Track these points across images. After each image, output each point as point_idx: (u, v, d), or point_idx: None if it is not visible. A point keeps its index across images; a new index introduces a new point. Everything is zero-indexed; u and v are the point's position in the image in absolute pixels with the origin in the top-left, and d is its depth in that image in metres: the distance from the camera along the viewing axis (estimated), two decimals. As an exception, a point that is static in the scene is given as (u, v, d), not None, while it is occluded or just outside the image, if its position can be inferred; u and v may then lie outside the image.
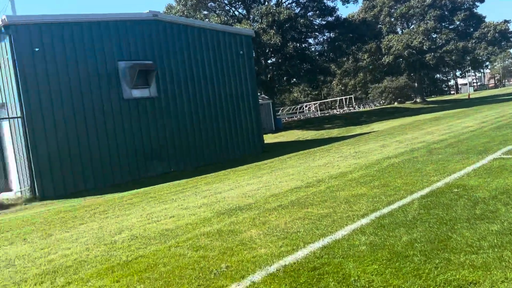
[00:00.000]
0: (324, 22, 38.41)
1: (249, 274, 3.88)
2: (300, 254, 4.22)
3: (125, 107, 14.65)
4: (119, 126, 14.45)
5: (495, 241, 3.94)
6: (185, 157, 16.28)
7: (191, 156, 16.50)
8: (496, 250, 3.75)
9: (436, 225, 4.58)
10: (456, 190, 6.00)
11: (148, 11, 15.63)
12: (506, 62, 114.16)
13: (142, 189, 11.57)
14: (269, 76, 35.59)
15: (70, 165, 13.22)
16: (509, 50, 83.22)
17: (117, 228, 6.45)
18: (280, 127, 35.34)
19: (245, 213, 6.27)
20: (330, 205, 6.08)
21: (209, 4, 35.95)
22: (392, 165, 8.97)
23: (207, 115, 17.26)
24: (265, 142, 21.36)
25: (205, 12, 36.71)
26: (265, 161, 14.37)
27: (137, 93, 14.99)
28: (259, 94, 31.20)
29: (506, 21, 52.85)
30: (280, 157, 15.25)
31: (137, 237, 5.72)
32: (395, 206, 5.58)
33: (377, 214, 5.31)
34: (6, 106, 13.05)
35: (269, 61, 36.82)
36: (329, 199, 6.48)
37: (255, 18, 33.71)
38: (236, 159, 17.20)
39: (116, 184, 13.81)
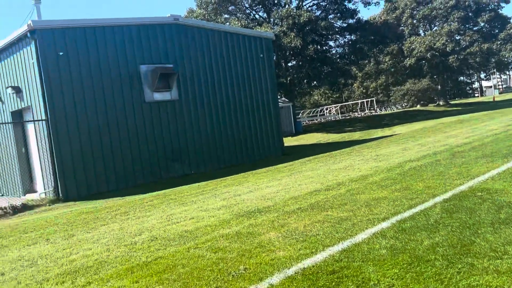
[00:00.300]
0: (345, 25, 38.19)
1: (267, 277, 3.87)
2: (319, 257, 4.18)
3: (146, 110, 14.83)
4: (141, 128, 14.63)
5: (521, 246, 3.83)
6: (205, 159, 16.37)
7: (211, 158, 16.59)
8: (521, 255, 3.64)
9: (459, 229, 4.48)
10: (480, 193, 5.85)
11: (169, 15, 15.81)
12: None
13: (162, 191, 11.67)
14: (289, 79, 35.53)
15: (93, 167, 13.44)
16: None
17: (138, 229, 6.52)
18: (300, 130, 35.23)
19: (264, 216, 6.25)
20: (350, 208, 6.02)
21: (229, 8, 36.13)
22: (414, 168, 8.83)
23: (227, 117, 17.33)
24: (285, 145, 21.31)
25: (226, 16, 36.92)
26: (285, 164, 14.32)
27: (158, 96, 15.16)
28: (279, 97, 31.17)
29: (533, 22, 51.55)
30: (300, 159, 15.19)
31: (157, 238, 5.77)
32: (416, 209, 5.48)
33: (398, 217, 5.22)
34: (31, 109, 13.36)
35: (289, 64, 36.79)
36: (349, 202, 6.41)
37: (276, 21, 33.75)
38: (255, 162, 17.21)
39: (137, 186, 13.98)
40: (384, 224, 5.00)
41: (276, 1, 35.68)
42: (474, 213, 4.98)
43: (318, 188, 8.03)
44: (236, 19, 35.57)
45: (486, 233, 4.26)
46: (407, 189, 6.81)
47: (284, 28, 31.42)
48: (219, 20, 34.75)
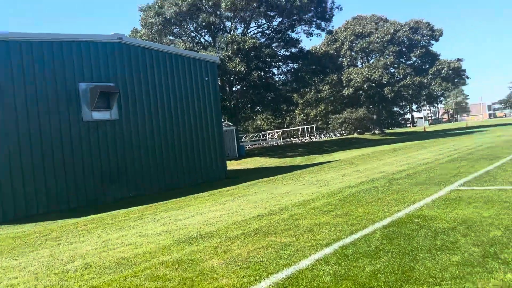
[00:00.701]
0: (288, 53, 39.23)
1: (210, 306, 3.71)
2: (263, 284, 4.09)
3: (84, 129, 14.23)
4: (77, 148, 13.98)
5: (457, 272, 3.97)
6: (145, 182, 15.88)
7: (152, 181, 16.12)
8: (458, 281, 3.77)
9: (399, 256, 4.58)
10: (417, 220, 6.07)
11: (113, 33, 15.44)
12: (459, 98, 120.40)
13: (98, 215, 11.11)
14: (233, 103, 35.73)
15: (22, 188, 12.60)
16: (461, 86, 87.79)
17: (70, 256, 6.11)
18: (243, 154, 35.32)
19: (206, 242, 6.09)
20: (293, 233, 6.00)
21: (175, 30, 35.98)
22: (353, 194, 9.05)
23: (170, 139, 17.01)
24: (228, 168, 21.21)
25: (171, 38, 36.70)
26: (228, 188, 14.21)
27: (97, 115, 14.62)
28: (223, 120, 31.13)
29: (458, 59, 55.82)
30: (243, 184, 15.13)
31: (91, 265, 5.42)
32: (357, 235, 5.57)
33: (340, 243, 5.27)
34: (-44, 124, 12.38)
35: (234, 88, 37.06)
36: (292, 227, 6.40)
37: (221, 46, 34.00)
38: (198, 185, 16.94)
39: (71, 209, 13.24)
40: (327, 250, 5.02)
41: (221, 27, 36.05)
42: (412, 240, 5.13)
43: (261, 213, 7.99)
44: (182, 41, 35.46)
45: (425, 260, 4.39)
46: (347, 214, 6.94)
47: (229, 53, 31.72)
48: (164, 41, 34.49)
